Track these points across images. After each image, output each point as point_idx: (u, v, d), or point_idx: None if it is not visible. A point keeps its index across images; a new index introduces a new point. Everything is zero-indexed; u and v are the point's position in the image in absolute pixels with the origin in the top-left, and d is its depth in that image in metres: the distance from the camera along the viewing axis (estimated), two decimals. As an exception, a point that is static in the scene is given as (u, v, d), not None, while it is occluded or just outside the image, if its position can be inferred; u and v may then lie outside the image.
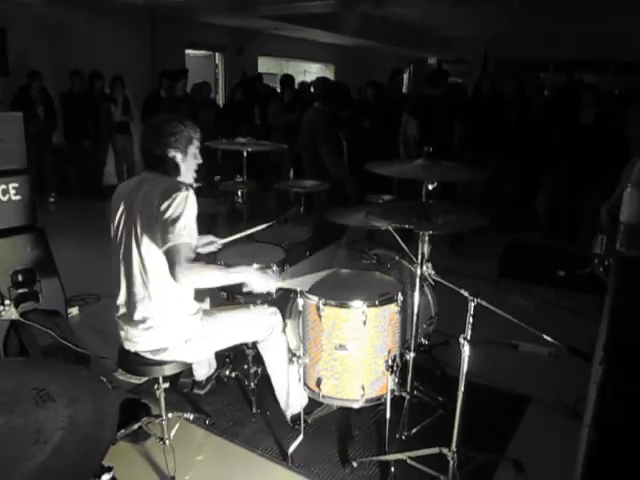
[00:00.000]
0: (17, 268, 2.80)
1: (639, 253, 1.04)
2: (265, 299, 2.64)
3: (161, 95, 7.05)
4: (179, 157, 2.16)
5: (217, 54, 11.24)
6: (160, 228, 1.98)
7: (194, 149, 2.20)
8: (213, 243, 2.66)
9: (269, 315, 2.45)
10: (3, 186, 2.77)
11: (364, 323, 2.32)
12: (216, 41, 10.70)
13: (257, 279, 2.15)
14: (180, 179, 2.19)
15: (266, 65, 12.35)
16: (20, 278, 2.81)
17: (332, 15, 9.18)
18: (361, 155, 5.58)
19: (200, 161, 2.25)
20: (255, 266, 2.53)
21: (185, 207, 1.99)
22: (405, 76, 13.87)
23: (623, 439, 0.94)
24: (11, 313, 2.70)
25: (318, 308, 2.35)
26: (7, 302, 2.71)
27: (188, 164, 2.20)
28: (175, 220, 1.95)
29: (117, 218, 2.17)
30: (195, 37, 10.08)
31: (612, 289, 1.01)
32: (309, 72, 13.61)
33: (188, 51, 10.47)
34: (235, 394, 2.97)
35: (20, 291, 2.80)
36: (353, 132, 7.10)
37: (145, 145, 2.18)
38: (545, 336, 3.08)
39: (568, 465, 1.40)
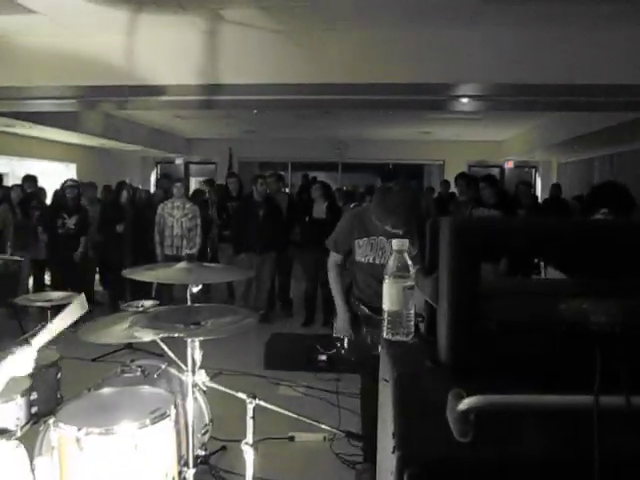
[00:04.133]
0: None
1: (403, 337, 1.18)
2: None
3: None
4: None
5: None
6: None
7: None
8: None
9: (7, 452, 1.94)
10: None
11: (136, 448, 2.06)
12: None
13: None
14: None
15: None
16: None
17: (72, 114, 8.79)
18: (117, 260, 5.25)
19: None
20: None
21: None
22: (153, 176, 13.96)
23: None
24: None
25: (78, 440, 2.00)
26: None
27: None
28: None
29: None
30: None
31: (390, 377, 1.06)
32: (46, 172, 12.66)
33: None
34: None
35: None
36: (106, 237, 6.74)
37: None
38: (317, 422, 3.15)
39: None
